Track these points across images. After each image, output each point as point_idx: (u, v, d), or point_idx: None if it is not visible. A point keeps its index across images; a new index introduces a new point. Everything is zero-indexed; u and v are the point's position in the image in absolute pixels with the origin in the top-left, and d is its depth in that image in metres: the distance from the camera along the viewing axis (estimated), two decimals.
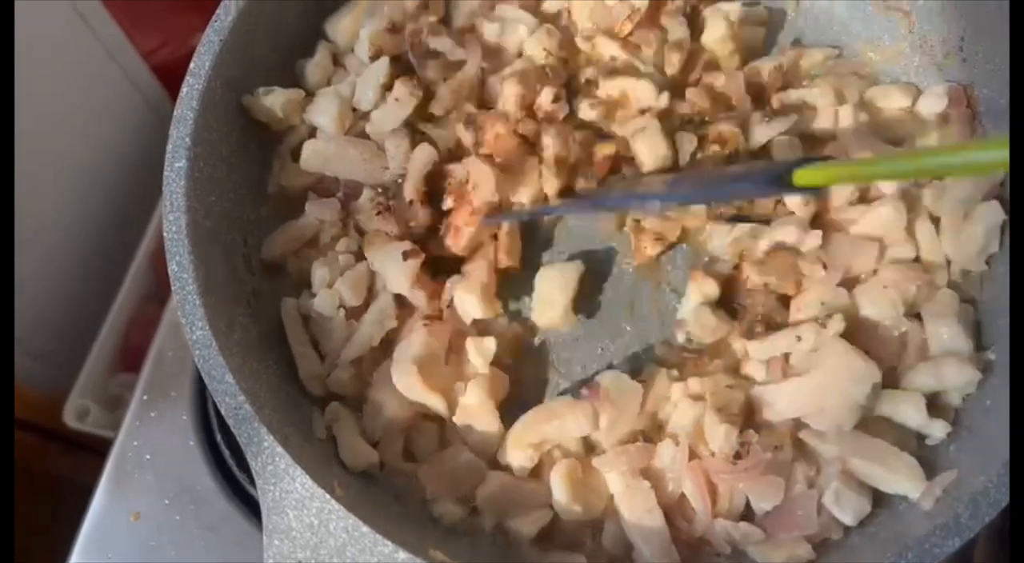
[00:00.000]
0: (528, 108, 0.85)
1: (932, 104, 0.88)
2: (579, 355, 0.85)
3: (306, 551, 0.66)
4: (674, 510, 0.77)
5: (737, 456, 0.75)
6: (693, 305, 0.82)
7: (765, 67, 0.91)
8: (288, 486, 0.67)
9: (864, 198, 0.85)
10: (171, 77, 1.50)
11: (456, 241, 0.81)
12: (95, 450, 1.09)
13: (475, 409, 0.77)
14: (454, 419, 0.78)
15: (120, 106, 1.53)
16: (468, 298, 0.80)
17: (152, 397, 0.92)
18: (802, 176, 0.68)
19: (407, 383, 0.76)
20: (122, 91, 1.53)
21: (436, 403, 0.77)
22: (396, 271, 0.79)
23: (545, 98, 0.85)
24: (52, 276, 1.38)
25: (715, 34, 0.92)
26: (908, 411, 0.76)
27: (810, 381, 0.77)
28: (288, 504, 0.67)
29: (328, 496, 0.67)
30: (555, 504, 0.76)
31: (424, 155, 0.83)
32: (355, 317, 0.80)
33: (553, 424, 0.77)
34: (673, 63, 0.90)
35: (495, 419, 0.78)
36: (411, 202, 0.82)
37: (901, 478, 0.73)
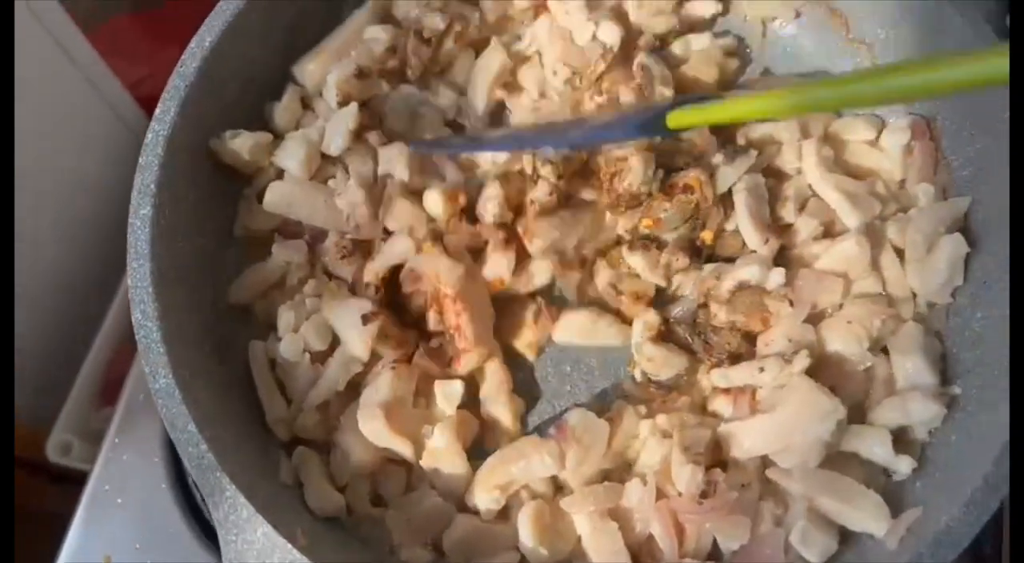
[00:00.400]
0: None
1: (896, 137, 0.89)
2: (547, 392, 0.85)
3: None
4: (641, 551, 0.76)
5: (704, 495, 0.75)
6: (638, 339, 0.82)
7: None
8: (250, 536, 0.67)
9: (829, 233, 0.86)
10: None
11: (462, 366, 0.81)
12: (80, 484, 1.09)
13: (442, 453, 0.77)
14: (421, 463, 0.78)
15: (105, 139, 1.54)
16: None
17: (124, 440, 0.92)
18: (675, 118, 0.68)
19: (374, 428, 0.76)
20: (106, 123, 1.53)
21: (403, 448, 0.77)
22: (354, 334, 0.79)
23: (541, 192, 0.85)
24: (35, 309, 1.38)
25: (699, 64, 0.93)
26: (874, 447, 0.76)
27: (775, 418, 0.77)
28: (250, 555, 0.67)
29: (291, 547, 0.67)
30: (522, 547, 0.76)
31: (400, 248, 0.83)
32: (321, 361, 0.80)
33: (519, 464, 0.77)
34: (667, 98, 0.89)
35: (463, 462, 0.78)
36: (367, 285, 0.82)
37: (867, 516, 0.73)
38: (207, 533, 0.89)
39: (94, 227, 1.48)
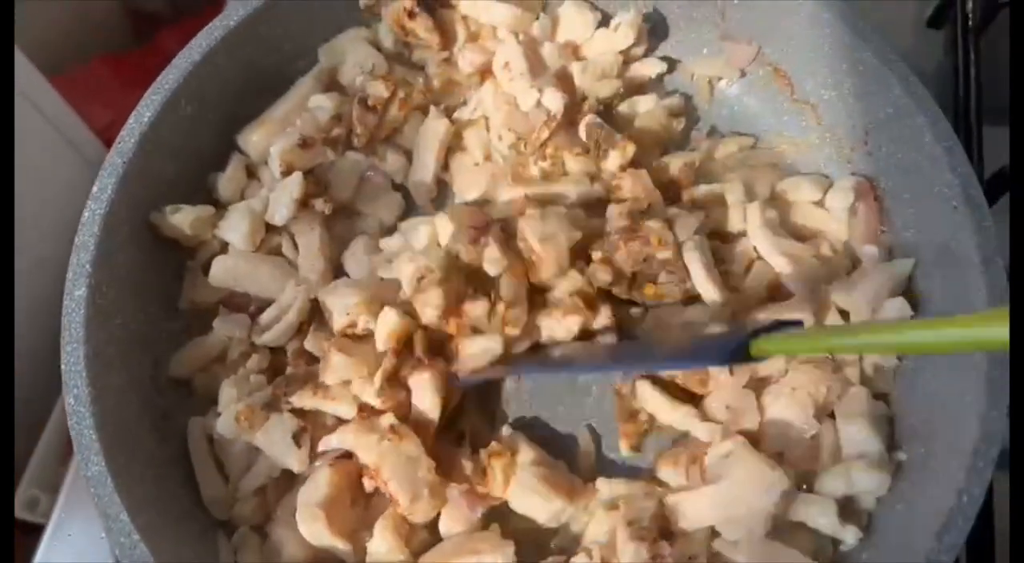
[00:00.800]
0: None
1: (840, 198, 0.89)
2: None
3: None
4: None
5: None
6: None
7: (675, 162, 0.92)
8: None
9: (774, 297, 0.85)
10: None
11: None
12: None
13: (384, 554, 0.75)
14: None
15: (72, 182, 1.52)
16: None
17: (69, 514, 0.91)
18: (759, 347, 0.65)
19: (313, 529, 0.74)
20: (72, 165, 1.52)
21: (344, 549, 0.75)
22: (289, 456, 0.78)
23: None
24: None
25: (647, 124, 0.94)
26: (820, 517, 0.76)
27: (720, 489, 0.76)
28: None
29: None
30: None
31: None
32: None
33: (469, 560, 0.75)
34: (616, 159, 0.89)
35: (406, 556, 0.76)
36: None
37: None
38: None
39: (58, 274, 1.47)
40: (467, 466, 0.79)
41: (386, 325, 0.78)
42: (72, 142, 1.49)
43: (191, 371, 0.84)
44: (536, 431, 0.84)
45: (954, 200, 0.78)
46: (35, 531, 1.09)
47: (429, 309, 0.78)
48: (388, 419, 0.77)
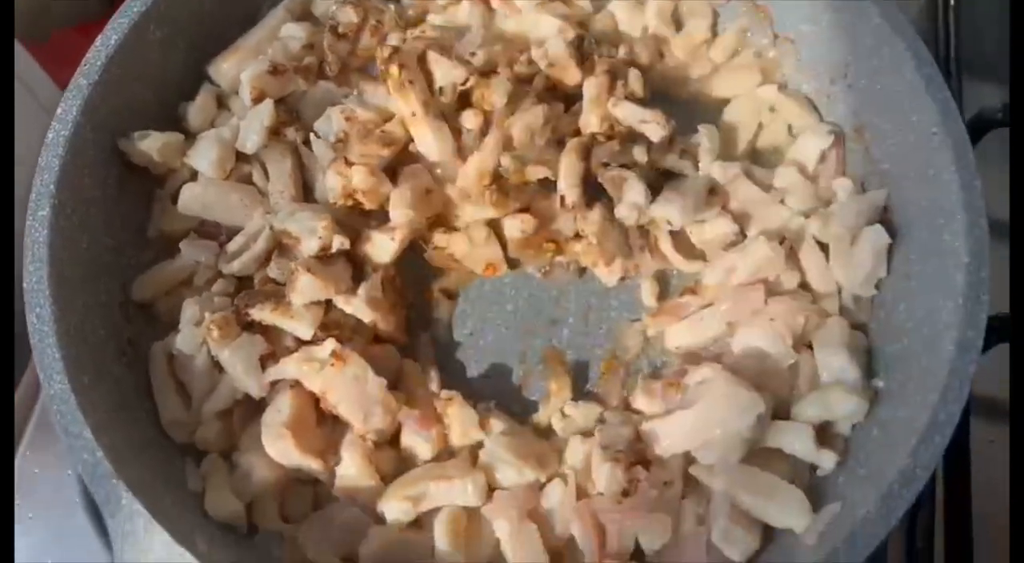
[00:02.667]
0: None
1: (814, 143, 0.88)
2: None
3: None
4: (562, 553, 0.74)
5: (625, 493, 0.73)
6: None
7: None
8: (146, 546, 0.65)
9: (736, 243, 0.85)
10: None
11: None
12: None
13: (354, 477, 0.75)
14: (334, 491, 0.75)
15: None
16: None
17: (35, 452, 0.89)
18: None
19: (281, 448, 0.74)
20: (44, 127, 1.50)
21: (314, 466, 0.74)
22: (248, 379, 0.76)
23: None
24: None
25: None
26: (796, 443, 0.75)
27: (696, 413, 0.75)
28: None
29: (188, 556, 0.64)
30: (437, 555, 0.73)
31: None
32: (220, 367, 0.78)
33: (440, 485, 0.74)
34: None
35: (376, 479, 0.75)
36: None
37: (788, 512, 0.72)
38: None
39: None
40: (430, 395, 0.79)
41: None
42: (48, 110, 1.46)
43: (155, 295, 0.82)
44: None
45: (934, 127, 0.78)
46: None
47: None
48: (329, 345, 0.76)
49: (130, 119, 0.84)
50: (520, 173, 0.82)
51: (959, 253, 0.72)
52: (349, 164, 0.81)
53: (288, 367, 0.76)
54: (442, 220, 0.86)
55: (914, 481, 0.66)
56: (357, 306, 0.78)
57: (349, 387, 0.75)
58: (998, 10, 1.11)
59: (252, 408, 0.78)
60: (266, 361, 0.77)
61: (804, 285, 0.83)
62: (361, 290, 0.78)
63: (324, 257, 0.78)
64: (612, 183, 0.82)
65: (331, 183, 0.81)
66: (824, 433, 0.76)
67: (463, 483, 0.74)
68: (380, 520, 0.75)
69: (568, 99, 0.88)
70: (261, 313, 0.77)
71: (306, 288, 0.76)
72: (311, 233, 0.78)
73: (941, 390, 0.69)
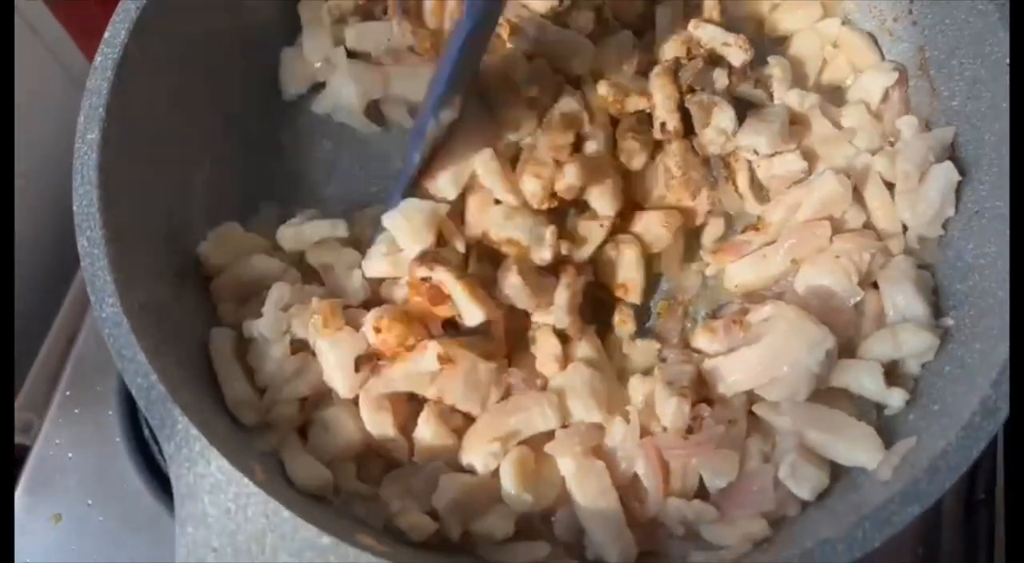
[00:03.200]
0: None
1: (879, 79, 0.86)
2: None
3: (222, 538, 0.61)
4: (627, 492, 0.72)
5: (689, 430, 0.71)
6: None
7: None
8: (203, 470, 0.62)
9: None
10: None
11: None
12: None
13: (431, 439, 0.73)
14: (415, 457, 0.73)
15: (67, 110, 1.48)
16: None
17: (75, 392, 0.87)
18: None
19: (378, 421, 0.72)
20: (68, 94, 1.48)
21: (400, 444, 0.72)
22: (339, 375, 0.73)
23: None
24: None
25: None
26: (865, 381, 0.73)
27: (761, 350, 0.73)
28: (203, 489, 0.62)
29: (247, 480, 0.62)
30: (504, 496, 0.71)
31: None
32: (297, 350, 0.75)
33: (519, 417, 0.72)
34: None
35: (452, 439, 0.73)
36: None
37: (858, 449, 0.70)
38: (164, 488, 0.84)
39: (54, 198, 1.43)
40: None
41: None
42: (70, 72, 1.45)
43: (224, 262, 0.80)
44: None
45: (1007, 58, 0.75)
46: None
47: None
48: (433, 350, 0.72)
49: (179, 44, 0.81)
50: (621, 102, 0.80)
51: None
52: (541, 163, 0.78)
53: (396, 380, 0.73)
54: None
55: (996, 413, 0.64)
56: (556, 314, 0.75)
57: (463, 385, 0.72)
58: None
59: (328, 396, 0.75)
60: (363, 363, 0.73)
61: (868, 225, 0.81)
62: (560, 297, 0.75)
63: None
64: (700, 108, 0.80)
65: (530, 187, 0.78)
66: (892, 373, 0.74)
67: (540, 408, 0.72)
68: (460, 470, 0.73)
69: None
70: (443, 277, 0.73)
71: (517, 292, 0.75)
72: (539, 241, 0.76)
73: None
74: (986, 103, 0.77)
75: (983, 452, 0.77)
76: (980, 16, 0.77)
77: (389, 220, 0.77)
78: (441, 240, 0.78)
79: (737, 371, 0.74)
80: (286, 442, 0.72)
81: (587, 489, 0.71)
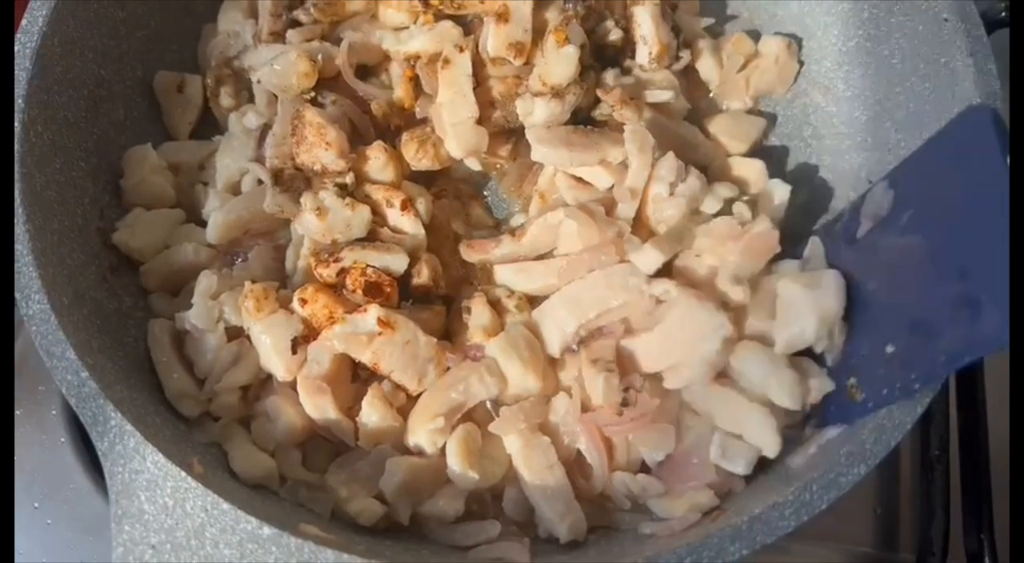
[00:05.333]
0: None
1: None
2: None
3: (160, 535, 0.60)
4: (572, 468, 0.72)
5: (625, 404, 0.70)
6: None
7: None
8: (138, 466, 0.61)
9: None
10: None
11: None
12: None
13: (377, 422, 0.71)
14: (360, 442, 0.72)
15: None
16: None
17: (18, 393, 0.85)
18: None
19: (318, 404, 0.70)
20: None
21: (344, 427, 0.71)
22: (275, 359, 0.71)
23: None
24: None
25: None
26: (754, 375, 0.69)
27: (661, 335, 0.71)
28: (139, 485, 0.61)
29: (184, 474, 0.61)
30: (451, 475, 0.70)
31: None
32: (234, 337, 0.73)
33: (459, 389, 0.71)
34: None
35: (399, 421, 0.72)
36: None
37: (757, 436, 0.69)
38: None
39: None
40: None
41: None
42: None
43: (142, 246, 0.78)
44: None
45: (945, 13, 0.74)
46: None
47: None
48: (374, 313, 0.71)
49: (100, 37, 0.79)
50: None
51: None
52: None
53: (334, 342, 0.71)
54: None
55: None
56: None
57: (401, 354, 0.71)
58: None
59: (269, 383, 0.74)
60: (298, 344, 0.72)
61: None
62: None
63: None
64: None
65: None
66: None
67: (478, 375, 0.71)
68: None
69: None
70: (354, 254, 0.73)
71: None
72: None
73: None
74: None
75: (933, 410, 0.79)
76: None
77: None
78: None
79: (647, 355, 0.72)
80: (229, 433, 0.71)
81: (533, 465, 0.70)
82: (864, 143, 0.82)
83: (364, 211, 0.74)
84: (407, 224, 0.76)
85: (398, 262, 0.74)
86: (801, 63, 0.89)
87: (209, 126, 0.86)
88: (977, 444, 0.82)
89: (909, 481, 0.85)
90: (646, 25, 0.82)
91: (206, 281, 0.74)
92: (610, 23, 0.82)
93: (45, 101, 0.73)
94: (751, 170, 0.81)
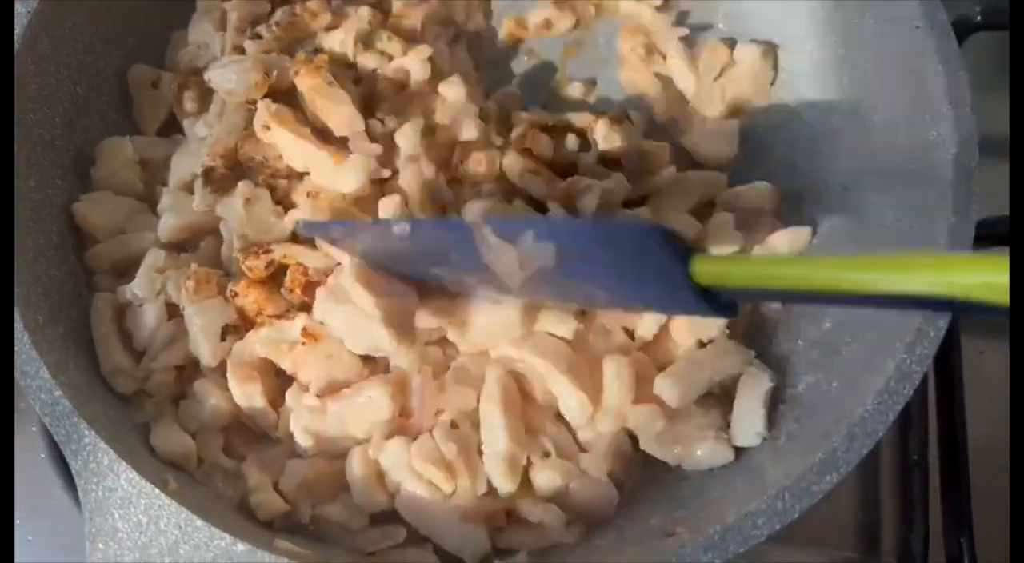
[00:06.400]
0: None
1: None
2: None
3: (134, 553, 0.60)
4: None
5: None
6: None
7: None
8: (112, 484, 0.61)
9: None
10: None
11: None
12: None
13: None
14: (280, 434, 0.72)
15: None
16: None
17: None
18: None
19: (247, 391, 0.70)
20: None
21: (269, 416, 0.71)
22: (204, 344, 0.72)
23: None
24: None
25: None
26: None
27: None
28: (112, 503, 0.61)
29: (157, 491, 0.61)
30: (355, 496, 0.69)
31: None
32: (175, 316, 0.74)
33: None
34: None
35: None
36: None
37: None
38: None
39: None
40: None
41: None
42: None
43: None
44: None
45: (916, 20, 0.75)
46: None
47: None
48: (300, 323, 0.71)
49: (77, 54, 0.79)
50: None
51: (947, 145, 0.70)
52: None
53: (256, 347, 0.72)
54: None
55: (911, 376, 0.64)
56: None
57: (322, 365, 0.71)
58: None
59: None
60: (229, 332, 0.73)
61: None
62: None
63: None
64: None
65: None
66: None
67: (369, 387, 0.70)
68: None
69: None
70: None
71: None
72: None
73: None
74: (898, 63, 0.77)
75: (912, 413, 0.79)
76: None
77: None
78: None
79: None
80: (160, 411, 0.72)
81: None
82: (839, 149, 0.83)
83: (285, 226, 0.75)
84: None
85: (326, 261, 0.74)
86: (776, 70, 0.89)
87: (178, 126, 0.86)
88: (956, 448, 0.82)
89: (890, 485, 0.86)
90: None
91: (153, 257, 0.75)
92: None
93: (20, 120, 0.73)
94: None
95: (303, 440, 0.70)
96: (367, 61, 0.81)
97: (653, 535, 0.66)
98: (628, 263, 0.54)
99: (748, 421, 0.71)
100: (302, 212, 0.74)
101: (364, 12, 0.82)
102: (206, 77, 0.80)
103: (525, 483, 0.69)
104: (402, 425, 0.70)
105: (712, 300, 0.51)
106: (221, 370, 0.72)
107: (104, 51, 0.82)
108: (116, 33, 0.83)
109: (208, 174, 0.75)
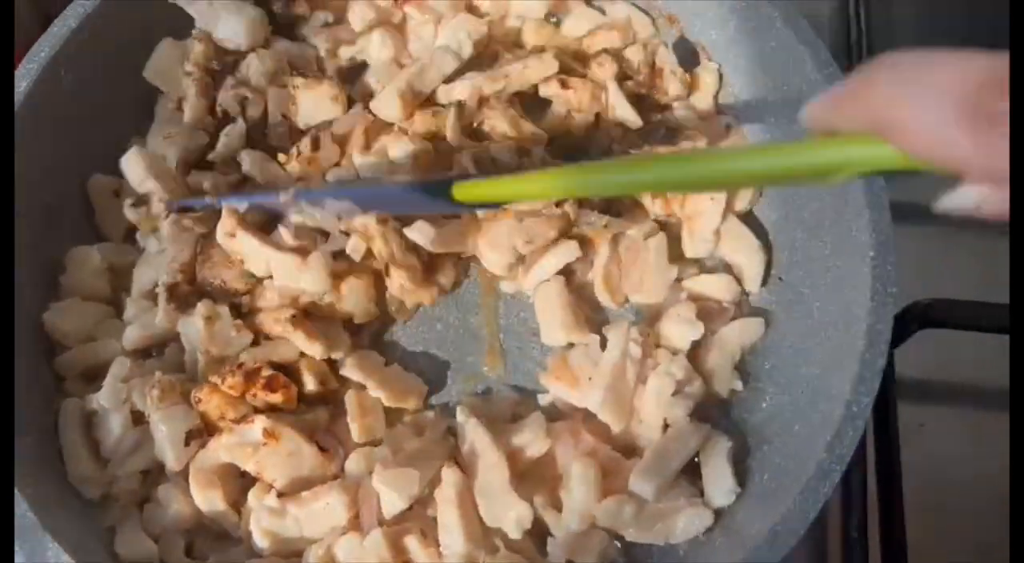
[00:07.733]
0: None
1: None
2: None
3: None
4: None
5: None
6: None
7: None
8: None
9: None
10: None
11: None
12: None
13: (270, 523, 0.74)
14: (242, 533, 0.75)
15: None
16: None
17: None
18: (461, 191, 0.71)
19: (208, 497, 0.73)
20: None
21: (231, 520, 0.74)
22: (170, 451, 0.75)
23: None
24: None
25: None
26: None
27: None
28: None
29: None
30: None
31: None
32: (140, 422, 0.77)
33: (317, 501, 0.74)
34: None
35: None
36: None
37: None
38: None
39: None
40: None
41: None
42: None
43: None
44: None
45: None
46: None
47: None
48: (260, 424, 0.75)
49: (42, 166, 0.83)
50: None
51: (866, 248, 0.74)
52: None
53: (219, 452, 0.75)
54: None
55: (831, 475, 0.68)
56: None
57: (285, 464, 0.75)
58: (912, 11, 1.16)
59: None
60: (192, 437, 0.76)
61: None
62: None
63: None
64: None
65: None
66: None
67: (328, 497, 0.74)
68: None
69: None
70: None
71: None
72: None
73: (852, 382, 0.70)
74: None
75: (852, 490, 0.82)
76: (810, 86, 0.82)
77: None
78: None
79: None
80: (125, 515, 0.75)
81: None
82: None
83: (246, 338, 0.79)
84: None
85: (291, 352, 0.79)
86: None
87: None
88: (894, 524, 0.85)
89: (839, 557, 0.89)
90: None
91: (119, 366, 0.78)
92: None
93: None
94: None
95: (260, 541, 0.73)
96: None
97: None
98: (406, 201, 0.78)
99: (720, 481, 0.76)
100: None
101: None
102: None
103: None
104: (354, 523, 0.74)
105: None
106: (185, 473, 0.75)
107: (69, 162, 0.86)
108: (81, 143, 0.87)
109: (172, 290, 0.79)
